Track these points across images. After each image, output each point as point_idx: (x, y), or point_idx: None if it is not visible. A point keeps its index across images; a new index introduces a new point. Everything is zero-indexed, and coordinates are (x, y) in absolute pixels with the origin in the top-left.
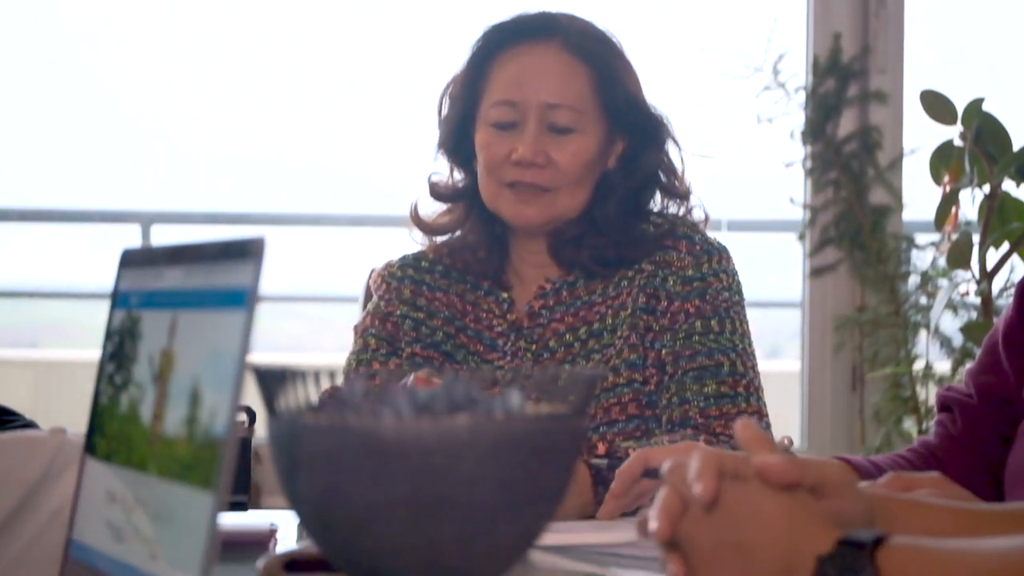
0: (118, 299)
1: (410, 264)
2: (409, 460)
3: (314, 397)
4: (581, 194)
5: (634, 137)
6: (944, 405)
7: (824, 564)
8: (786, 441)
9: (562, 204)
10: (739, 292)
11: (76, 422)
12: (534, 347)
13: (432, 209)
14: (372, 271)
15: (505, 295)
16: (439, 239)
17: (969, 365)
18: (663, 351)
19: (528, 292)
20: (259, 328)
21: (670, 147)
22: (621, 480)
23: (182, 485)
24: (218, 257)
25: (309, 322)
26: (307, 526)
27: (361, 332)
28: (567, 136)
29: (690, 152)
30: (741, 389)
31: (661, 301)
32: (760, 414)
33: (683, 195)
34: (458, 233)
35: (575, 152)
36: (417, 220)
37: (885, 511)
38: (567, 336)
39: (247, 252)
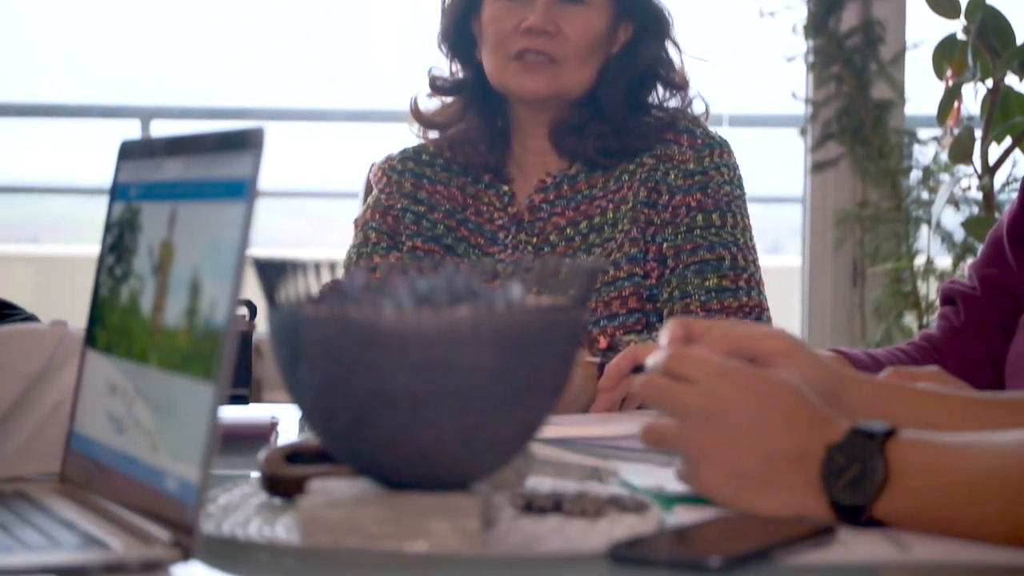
0: (117, 191)
1: (410, 157)
2: (409, 352)
3: (314, 289)
4: (587, 71)
5: (639, 24)
6: (947, 298)
7: (834, 452)
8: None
9: (568, 78)
10: (740, 186)
11: (77, 317)
12: (535, 240)
13: (432, 104)
14: (372, 165)
15: (506, 188)
16: (439, 134)
17: (973, 259)
18: (664, 245)
19: (529, 186)
20: (260, 225)
21: (669, 46)
22: (609, 376)
23: (183, 376)
24: (217, 148)
25: (310, 219)
26: (308, 418)
27: (361, 225)
28: (578, 7)
29: (688, 54)
30: (742, 283)
31: (662, 195)
32: (761, 308)
33: (682, 86)
34: (459, 127)
35: (585, 24)
36: (417, 114)
37: (884, 399)
38: (568, 230)
39: (247, 143)
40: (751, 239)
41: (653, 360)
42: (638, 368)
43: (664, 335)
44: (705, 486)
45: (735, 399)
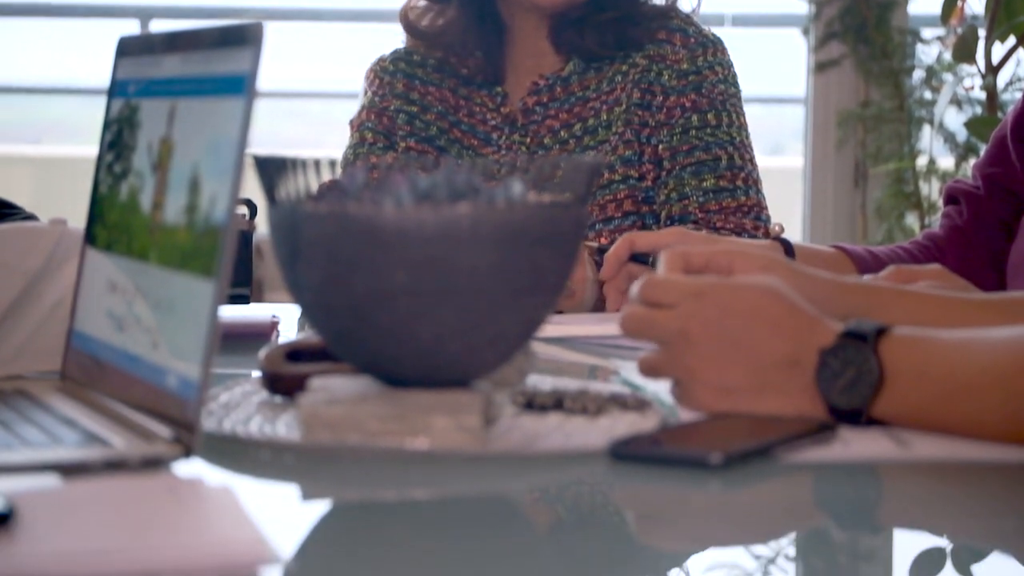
0: (116, 88)
1: (402, 58)
2: (410, 249)
3: (314, 186)
4: None
5: None
6: (951, 197)
7: (827, 357)
8: (777, 228)
9: None
10: (735, 84)
11: (77, 218)
12: (528, 142)
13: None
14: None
15: (499, 89)
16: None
17: (975, 159)
18: (659, 147)
19: (522, 88)
20: (259, 126)
21: None
22: (608, 264)
23: (183, 274)
24: (216, 44)
25: (309, 120)
26: (308, 316)
27: (357, 126)
28: None
29: None
30: (740, 182)
31: (656, 96)
32: (759, 207)
33: None
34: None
35: None
36: (406, 23)
37: (881, 305)
38: (562, 132)
39: (245, 38)
40: (747, 138)
41: (633, 291)
42: (636, 255)
43: (661, 265)
44: (700, 405)
45: (714, 317)
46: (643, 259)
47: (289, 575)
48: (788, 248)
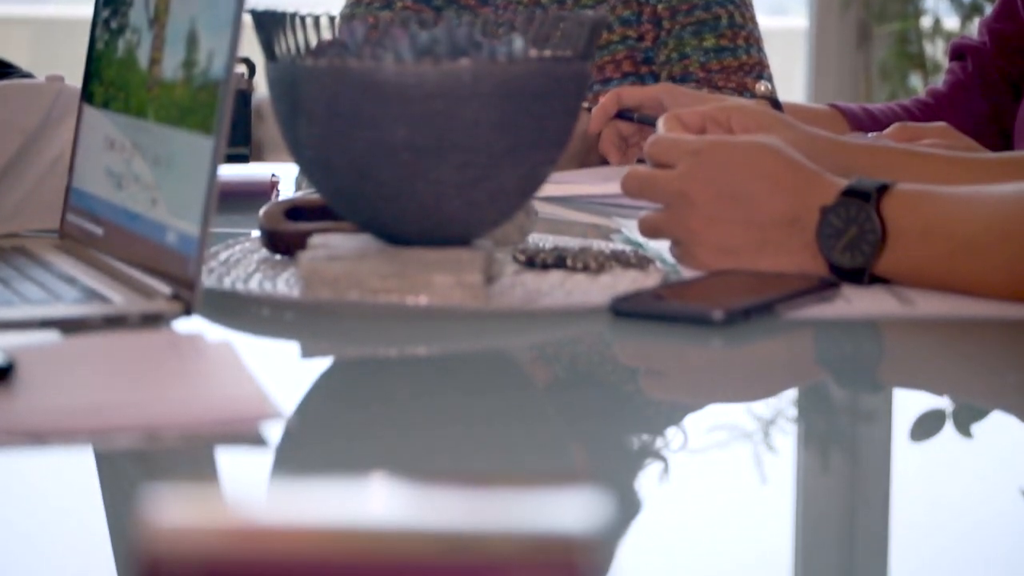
0: None
1: None
2: (410, 104)
3: (313, 42)
4: None
5: None
6: (956, 53)
7: (828, 215)
8: (762, 87)
9: None
10: None
11: (75, 80)
12: (526, 1)
13: None
14: None
15: None
16: None
17: (983, 17)
18: (658, 6)
19: None
20: None
21: None
22: (595, 117)
23: (181, 130)
24: None
25: None
26: (308, 174)
27: None
28: None
29: None
30: (741, 41)
31: None
32: (761, 65)
33: None
34: None
35: None
36: None
37: (884, 166)
38: None
39: None
40: None
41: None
42: (622, 112)
43: (660, 128)
44: (700, 265)
45: (713, 176)
46: (628, 115)
47: (290, 431)
48: (776, 107)
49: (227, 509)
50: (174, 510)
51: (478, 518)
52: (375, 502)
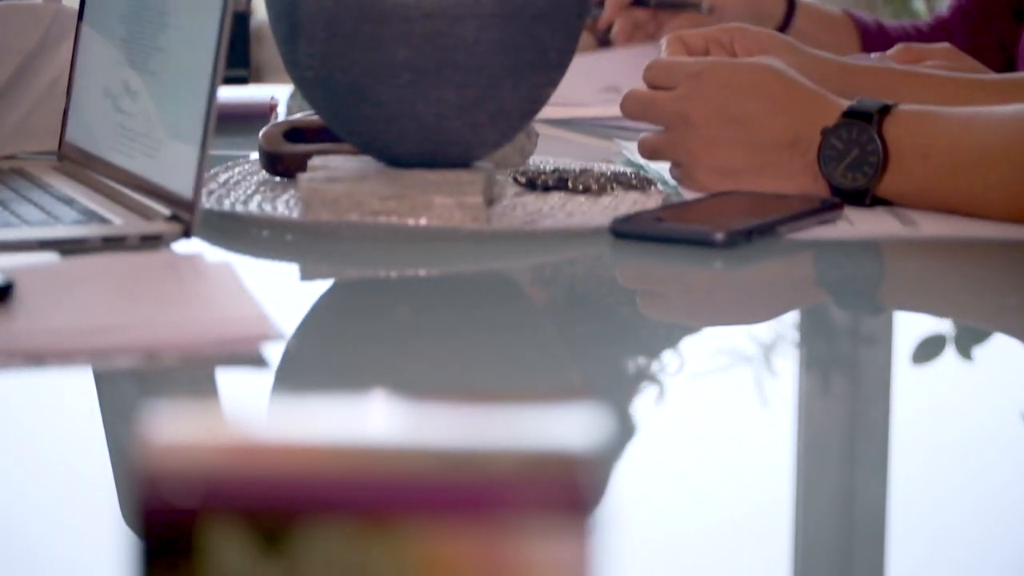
0: None
1: None
2: (411, 23)
3: None
4: None
5: None
6: None
7: (829, 136)
8: None
9: None
10: None
11: (72, 1)
12: None
13: None
14: None
15: None
16: None
17: None
18: None
19: None
20: None
21: None
22: (610, 6)
23: (180, 51)
24: None
25: None
26: (307, 95)
27: None
28: None
29: None
30: None
31: None
32: None
33: None
34: None
35: None
36: None
37: (888, 83)
38: None
39: None
40: None
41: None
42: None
43: (663, 50)
44: (701, 187)
45: (713, 96)
46: (644, 1)
47: (290, 352)
48: (791, 5)
49: (227, 426)
50: (173, 428)
51: (478, 435)
52: (374, 420)
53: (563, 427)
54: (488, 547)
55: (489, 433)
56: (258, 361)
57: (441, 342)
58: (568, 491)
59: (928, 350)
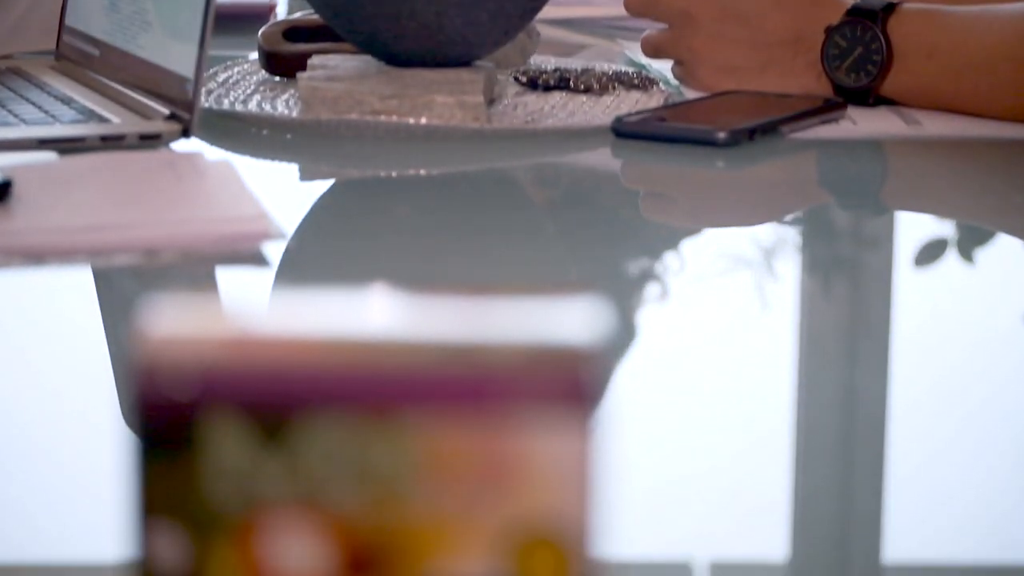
0: None
1: None
2: None
3: None
4: None
5: None
6: None
7: (833, 34)
8: None
9: None
10: None
11: None
12: None
13: None
14: None
15: None
16: None
17: None
18: None
19: None
20: None
21: None
22: None
23: None
24: None
25: None
26: None
27: None
28: None
29: None
30: None
31: None
32: None
33: None
34: None
35: None
36: None
37: None
38: None
39: None
40: None
41: None
42: None
43: None
44: (703, 85)
45: None
46: None
47: (291, 250)
48: None
49: (226, 320)
50: (172, 321)
51: (479, 329)
52: (375, 314)
53: (564, 321)
54: (489, 440)
55: (490, 326)
56: (258, 260)
57: (441, 242)
58: (570, 384)
59: (931, 251)
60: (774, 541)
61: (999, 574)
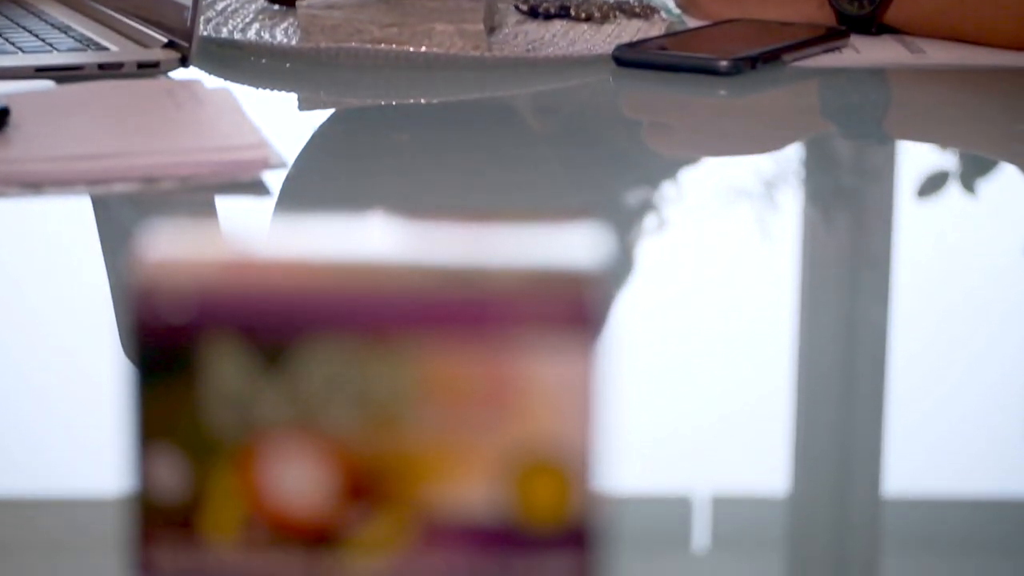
0: None
1: None
2: None
3: None
4: None
5: None
6: None
7: None
8: None
9: None
10: None
11: None
12: None
13: None
14: None
15: None
16: None
17: None
18: None
19: None
20: None
21: None
22: None
23: None
24: None
25: None
26: None
27: None
28: None
29: None
30: None
31: None
32: None
33: None
34: None
35: None
36: None
37: None
38: None
39: None
40: None
41: None
42: None
43: None
44: (705, 14)
45: None
46: None
47: (290, 179)
48: None
49: (224, 245)
50: (170, 247)
51: (480, 253)
52: (375, 238)
53: (565, 247)
54: (490, 364)
55: (491, 251)
56: (258, 188)
57: (441, 170)
58: (571, 308)
59: (933, 182)
60: (774, 472)
61: (999, 504)
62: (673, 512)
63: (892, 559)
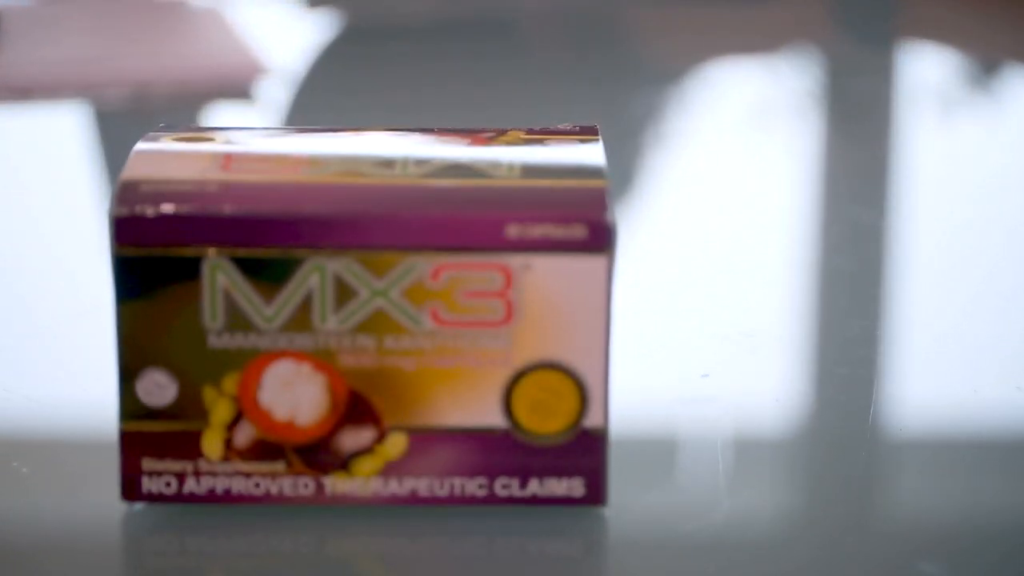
0: None
1: None
2: None
3: None
4: None
5: None
6: None
7: None
8: None
9: None
10: None
11: None
12: None
13: None
14: None
15: None
16: None
17: None
18: None
19: None
20: None
21: None
22: None
23: None
24: None
25: None
26: None
27: None
28: None
29: None
30: None
31: None
32: None
33: None
34: None
35: None
36: None
37: None
38: None
39: None
40: None
41: None
42: None
43: None
44: None
45: None
46: None
47: (284, 91)
48: None
49: (216, 154)
50: (160, 156)
51: (486, 164)
52: (376, 146)
53: (573, 157)
54: (501, 272)
55: (499, 162)
56: (249, 97)
57: (443, 86)
58: (582, 216)
59: (947, 86)
60: (786, 384)
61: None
62: (685, 425)
63: (910, 474)
